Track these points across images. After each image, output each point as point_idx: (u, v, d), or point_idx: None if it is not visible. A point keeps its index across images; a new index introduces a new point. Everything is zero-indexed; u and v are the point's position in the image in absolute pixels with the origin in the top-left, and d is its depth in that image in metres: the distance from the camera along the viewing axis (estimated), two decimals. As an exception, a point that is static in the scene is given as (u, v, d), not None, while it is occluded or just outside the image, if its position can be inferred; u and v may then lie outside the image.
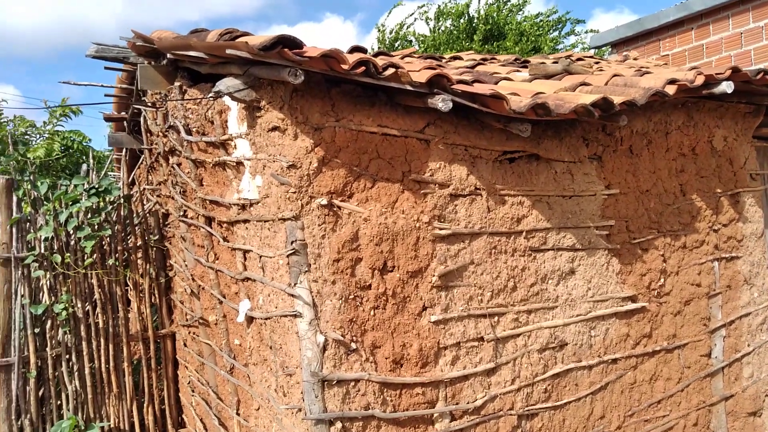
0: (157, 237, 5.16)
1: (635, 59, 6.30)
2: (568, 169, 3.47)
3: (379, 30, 12.79)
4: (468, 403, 3.10)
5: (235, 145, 3.19)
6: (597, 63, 5.21)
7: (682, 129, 4.01)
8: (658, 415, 3.83)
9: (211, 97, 2.95)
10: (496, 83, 3.43)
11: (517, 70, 4.31)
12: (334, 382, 2.78)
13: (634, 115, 3.60)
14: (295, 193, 2.74)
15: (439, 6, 12.54)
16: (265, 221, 2.99)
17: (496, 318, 3.20)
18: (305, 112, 2.74)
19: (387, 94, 2.90)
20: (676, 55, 6.38)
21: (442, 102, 2.61)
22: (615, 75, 3.71)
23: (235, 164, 3.21)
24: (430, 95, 2.65)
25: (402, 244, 2.92)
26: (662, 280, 3.84)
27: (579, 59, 5.29)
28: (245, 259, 3.36)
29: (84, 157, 8.83)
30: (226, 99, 3.10)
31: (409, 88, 2.61)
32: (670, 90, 3.30)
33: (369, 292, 2.88)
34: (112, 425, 4.78)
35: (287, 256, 2.81)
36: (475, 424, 3.12)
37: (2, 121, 8.68)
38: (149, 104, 4.75)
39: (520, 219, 3.27)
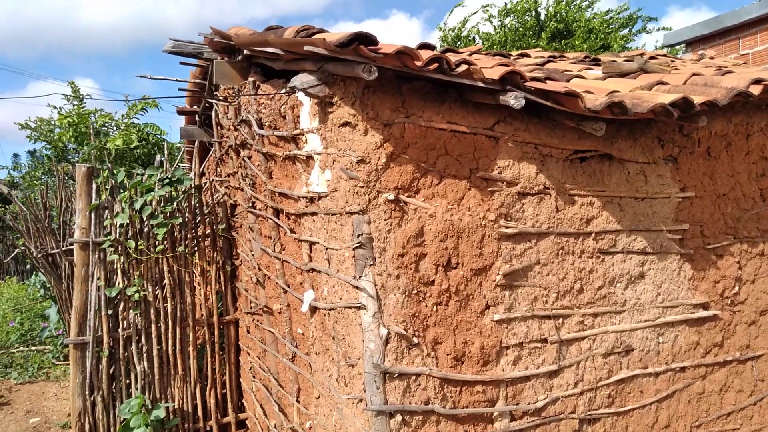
0: (224, 227, 5.33)
1: (712, 58, 6.03)
2: (642, 170, 3.37)
3: (441, 30, 12.75)
4: (529, 404, 3.06)
5: (306, 140, 3.26)
6: (672, 62, 5.02)
7: (765, 131, 3.82)
8: (727, 428, 3.67)
9: (285, 92, 3.02)
10: (568, 81, 3.36)
11: (589, 68, 4.21)
12: (396, 375, 2.80)
13: (713, 116, 3.46)
14: (363, 187, 2.78)
15: (505, 3, 12.37)
16: (332, 214, 3.04)
17: (560, 320, 3.15)
18: (376, 108, 2.78)
19: (457, 91, 2.89)
20: (756, 54, 6.07)
21: (514, 99, 2.58)
22: (694, 74, 3.58)
23: (305, 158, 3.28)
24: (502, 92, 2.63)
25: (467, 242, 2.92)
26: (737, 288, 3.68)
27: (653, 57, 5.11)
28: (311, 250, 3.43)
29: (158, 149, 9.21)
30: (300, 94, 3.18)
31: (481, 84, 2.60)
32: (755, 90, 3.15)
33: (432, 288, 2.89)
34: (176, 406, 4.98)
35: (353, 249, 2.85)
36: (535, 425, 3.09)
37: (85, 113, 9.16)
38: (221, 99, 4.92)
39: (589, 220, 3.20)
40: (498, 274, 2.99)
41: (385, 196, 2.78)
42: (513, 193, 3.00)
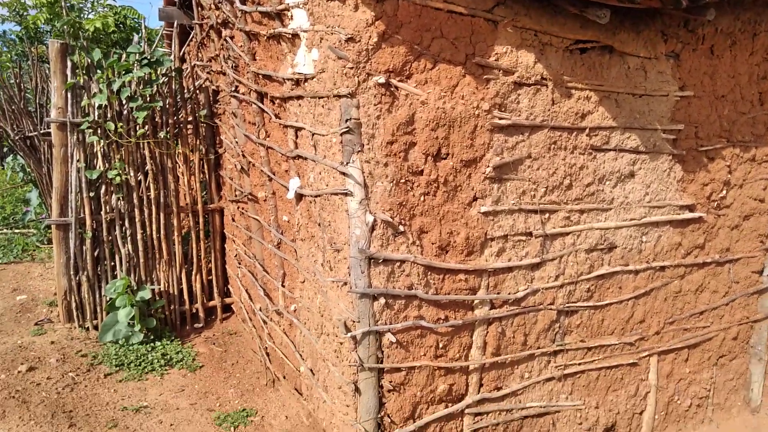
0: (207, 113, 5.17)
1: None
2: (642, 66, 3.25)
3: None
4: (509, 293, 3.13)
5: (291, 16, 3.06)
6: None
7: (772, 31, 3.68)
8: (698, 325, 3.82)
9: (271, -41, 2.80)
10: (575, -36, 3.15)
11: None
12: (381, 260, 2.82)
13: (721, 11, 3.30)
14: (352, 68, 2.65)
15: None
16: (319, 98, 2.92)
17: (547, 215, 3.15)
18: (369, -18, 2.59)
19: (457, -33, 2.70)
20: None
21: (518, -23, 2.41)
22: (707, -37, 3.36)
23: (290, 36, 3.11)
24: (506, -31, 2.46)
25: (458, 131, 2.84)
26: (724, 191, 3.69)
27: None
28: (297, 137, 3.34)
29: (135, 33, 8.77)
30: (286, -36, 2.95)
31: (483, -41, 2.41)
32: (769, -18, 2.99)
33: (420, 177, 2.85)
34: (162, 288, 5.06)
35: (341, 135, 2.77)
36: (514, 314, 3.17)
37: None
38: (203, -28, 4.59)
39: (584, 115, 3.12)
40: (488, 166, 2.94)
41: (376, 80, 2.66)
42: (509, 82, 2.88)
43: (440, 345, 3.05)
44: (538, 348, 3.30)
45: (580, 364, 3.44)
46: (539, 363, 3.34)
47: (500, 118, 2.90)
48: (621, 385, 3.61)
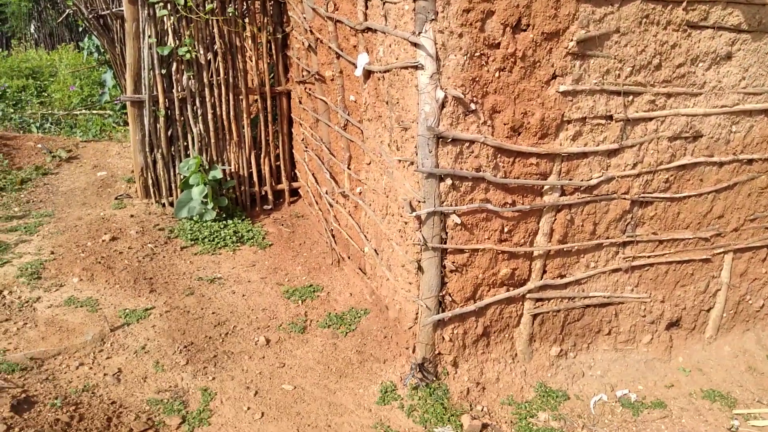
0: (275, -11, 5.01)
1: None
2: (760, -74, 2.87)
3: None
4: (582, 180, 3.01)
5: None
6: None
7: None
8: (781, 224, 3.61)
9: None
10: None
11: None
12: (449, 140, 2.74)
13: None
14: (430, -73, 2.44)
15: None
16: (393, -38, 2.75)
17: (630, 97, 2.94)
18: None
19: None
20: None
21: None
22: None
23: None
24: None
25: (541, 0, 2.62)
26: (834, 79, 3.33)
27: None
28: (366, 7, 3.19)
29: None
30: None
31: None
32: None
33: (497, 51, 2.69)
34: (232, 169, 5.19)
35: (414, 2, 2.61)
36: (585, 202, 3.07)
37: None
38: None
39: (684, -16, 2.82)
40: (571, 40, 2.73)
41: (455, -61, 2.45)
42: (603, -57, 2.61)
43: (505, 229, 3.01)
44: (607, 238, 3.21)
45: (649, 257, 3.34)
46: (606, 253, 3.26)
47: (589, -14, 2.65)
48: (690, 281, 3.51)
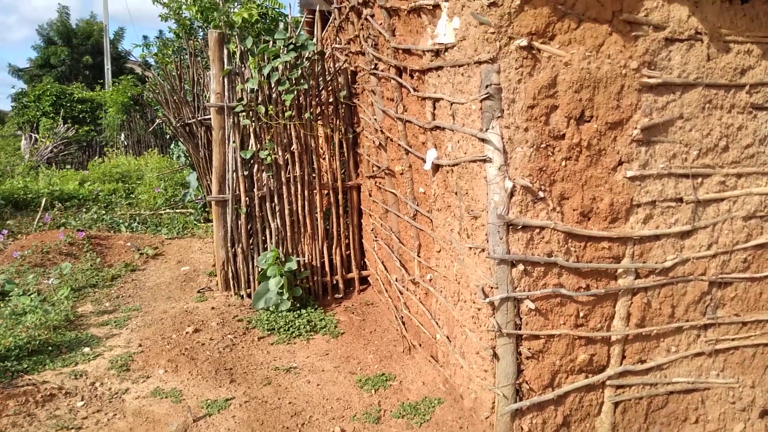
0: (346, 93, 5.42)
1: None
2: (815, 13, 2.96)
3: None
4: (656, 263, 3.01)
5: (432, -12, 3.15)
6: None
7: None
8: None
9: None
10: None
11: None
12: (519, 226, 2.83)
13: None
14: (493, 33, 2.68)
15: None
16: (458, 66, 2.98)
17: (699, 179, 2.98)
18: (511, -55, 2.60)
19: None
20: None
21: (671, -76, 2.31)
22: None
23: (431, 8, 3.19)
24: None
25: (603, 92, 2.77)
26: None
27: None
28: (435, 108, 3.42)
29: (277, 24, 9.35)
30: (427, -63, 3.03)
31: None
32: None
33: (562, 142, 2.82)
34: (306, 260, 5.41)
35: (480, 101, 2.81)
36: (661, 284, 3.04)
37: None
38: (343, -43, 4.81)
39: (744, 70, 2.91)
40: (635, 128, 2.84)
41: (517, 43, 2.67)
42: (659, 38, 2.76)
43: (581, 314, 3.01)
44: (687, 321, 3.14)
45: (733, 339, 3.22)
46: (687, 336, 3.18)
47: (649, 77, 2.78)
48: (783, 365, 3.34)
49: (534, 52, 2.69)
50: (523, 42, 2.65)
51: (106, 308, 5.29)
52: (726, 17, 2.83)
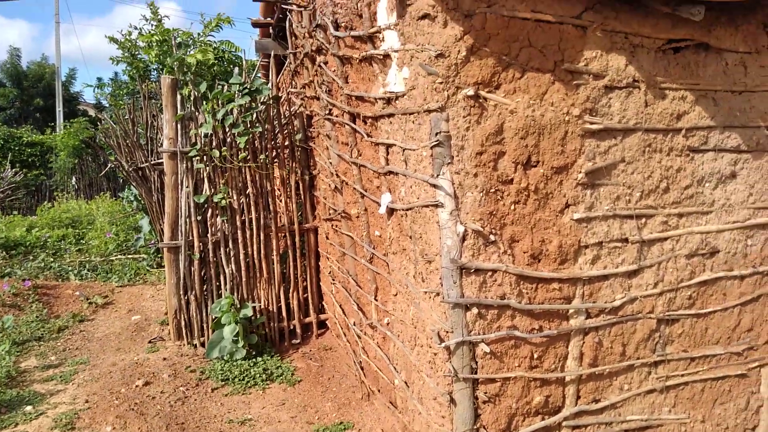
0: (301, 137, 5.45)
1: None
2: (742, 61, 3.13)
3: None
4: (606, 302, 3.07)
5: (383, 38, 3.22)
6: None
7: None
8: (817, 336, 3.55)
9: (361, -14, 2.97)
10: (663, -34, 3.12)
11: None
12: (472, 270, 2.86)
13: (828, 0, 3.14)
14: (441, 83, 2.74)
15: None
16: (409, 114, 3.04)
17: (643, 220, 3.08)
18: (455, -1, 2.69)
19: (541, -22, 2.75)
20: None
21: (603, -18, 2.43)
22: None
23: (382, 57, 3.26)
24: (591, -25, 2.48)
25: (548, 138, 2.86)
26: (840, 191, 3.45)
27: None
28: (388, 153, 3.46)
29: (233, 66, 9.39)
30: (376, -11, 3.12)
31: (568, -33, 2.45)
32: None
33: (510, 186, 2.88)
34: (262, 306, 5.32)
35: (431, 148, 2.86)
36: (612, 323, 3.10)
37: (164, 30, 9.44)
38: (295, 5, 4.90)
39: (680, 115, 3.05)
40: (580, 172, 2.93)
41: (465, 92, 2.74)
42: (599, 86, 2.88)
43: (535, 355, 3.03)
44: (638, 358, 3.20)
45: (683, 375, 3.29)
46: (639, 374, 3.23)
47: (591, 123, 2.89)
48: (729, 398, 3.42)
49: (481, 100, 2.77)
50: (470, 91, 2.72)
51: (52, 362, 5.06)
52: (660, 66, 2.98)
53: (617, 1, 2.81)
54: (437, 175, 2.85)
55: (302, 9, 4.64)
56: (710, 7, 2.80)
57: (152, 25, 9.77)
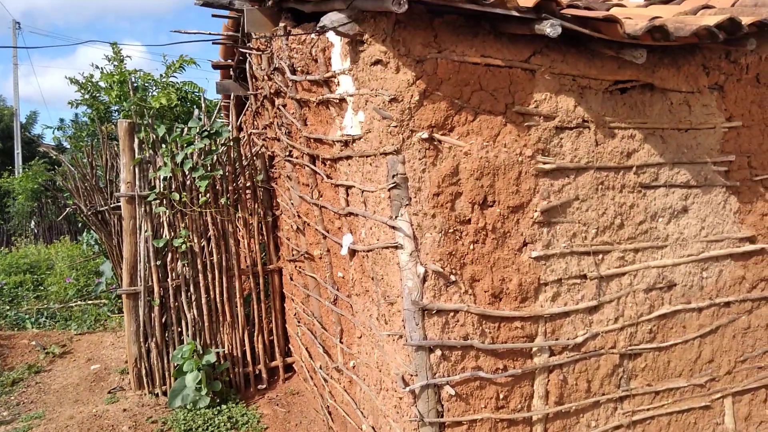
0: (263, 178, 5.41)
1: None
2: (686, 100, 3.24)
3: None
4: (568, 339, 3.07)
5: (338, 82, 3.24)
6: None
7: (820, 56, 3.61)
8: (775, 363, 3.62)
9: (315, 32, 3.00)
10: (608, 9, 3.22)
11: (631, -3, 4.02)
12: (434, 311, 2.84)
13: (764, 39, 3.28)
14: (396, 127, 2.77)
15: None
16: (366, 156, 3.05)
17: (600, 256, 3.12)
18: (407, 44, 2.73)
19: (490, 23, 2.82)
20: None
21: (550, 27, 2.50)
22: (743, -4, 3.38)
23: (338, 101, 3.28)
24: (537, 21, 2.55)
25: (503, 179, 2.89)
26: (787, 221, 3.56)
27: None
28: (348, 194, 3.46)
29: (196, 106, 9.35)
30: (330, 35, 3.15)
31: (515, 14, 2.52)
32: (809, 9, 2.97)
33: (468, 226, 2.89)
34: (226, 351, 5.20)
35: (388, 190, 2.86)
36: (575, 360, 3.10)
37: (126, 72, 9.37)
38: (254, 48, 4.92)
39: (630, 153, 3.12)
40: (536, 211, 2.96)
41: (419, 135, 2.77)
42: (550, 127, 2.94)
43: (501, 396, 3.00)
44: (603, 394, 3.20)
45: (648, 409, 3.30)
46: (605, 410, 3.23)
47: (544, 163, 2.94)
48: (695, 430, 3.43)
49: (435, 143, 2.79)
50: (425, 134, 2.75)
51: (4, 418, 4.83)
52: (608, 106, 3.06)
53: (564, 44, 2.90)
54: (396, 217, 2.85)
55: (261, 52, 4.66)
56: (652, 50, 2.90)
57: (113, 65, 9.70)
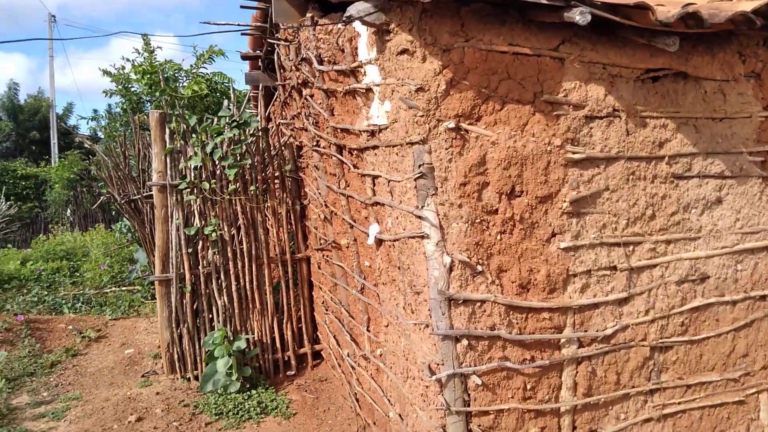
0: (291, 167, 5.46)
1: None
2: (720, 89, 3.16)
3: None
4: (597, 331, 3.04)
5: (364, 72, 3.24)
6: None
7: None
8: (812, 358, 3.52)
9: (342, 22, 3.00)
10: (640, -5, 3.15)
11: (665, -17, 3.92)
12: (461, 301, 2.84)
13: (804, 24, 3.17)
14: (422, 116, 2.76)
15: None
16: (393, 146, 3.05)
17: (631, 247, 3.07)
18: (434, 33, 2.72)
19: (518, 11, 2.78)
20: None
21: (579, 15, 2.45)
22: (783, -20, 3.26)
23: (364, 91, 3.28)
24: (567, 8, 2.50)
25: (531, 169, 2.86)
26: (827, 212, 3.45)
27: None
28: (374, 184, 3.47)
29: (225, 97, 9.45)
30: (356, 25, 3.15)
31: (543, 1, 2.47)
32: None
33: (496, 216, 2.88)
34: (256, 338, 5.28)
35: (414, 180, 2.86)
36: (604, 352, 3.07)
37: (156, 63, 9.52)
38: (282, 39, 4.95)
39: (662, 143, 3.06)
40: (564, 201, 2.93)
41: (446, 125, 2.75)
42: (580, 116, 2.89)
43: (528, 386, 2.99)
44: (633, 387, 3.16)
45: (680, 403, 3.25)
46: (635, 403, 3.19)
47: (573, 153, 2.90)
48: (728, 425, 3.37)
49: (462, 132, 2.78)
50: (451, 124, 2.73)
51: (44, 398, 5.00)
52: (640, 95, 3.00)
53: (594, 32, 2.84)
54: (422, 207, 2.85)
55: (288, 43, 4.68)
56: (686, 37, 2.83)
57: (144, 56, 9.85)
